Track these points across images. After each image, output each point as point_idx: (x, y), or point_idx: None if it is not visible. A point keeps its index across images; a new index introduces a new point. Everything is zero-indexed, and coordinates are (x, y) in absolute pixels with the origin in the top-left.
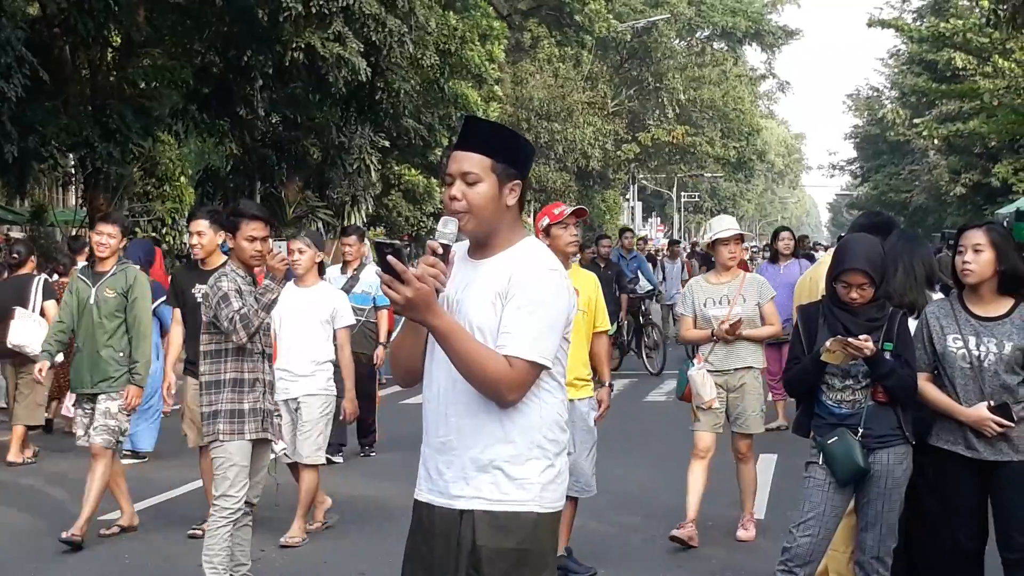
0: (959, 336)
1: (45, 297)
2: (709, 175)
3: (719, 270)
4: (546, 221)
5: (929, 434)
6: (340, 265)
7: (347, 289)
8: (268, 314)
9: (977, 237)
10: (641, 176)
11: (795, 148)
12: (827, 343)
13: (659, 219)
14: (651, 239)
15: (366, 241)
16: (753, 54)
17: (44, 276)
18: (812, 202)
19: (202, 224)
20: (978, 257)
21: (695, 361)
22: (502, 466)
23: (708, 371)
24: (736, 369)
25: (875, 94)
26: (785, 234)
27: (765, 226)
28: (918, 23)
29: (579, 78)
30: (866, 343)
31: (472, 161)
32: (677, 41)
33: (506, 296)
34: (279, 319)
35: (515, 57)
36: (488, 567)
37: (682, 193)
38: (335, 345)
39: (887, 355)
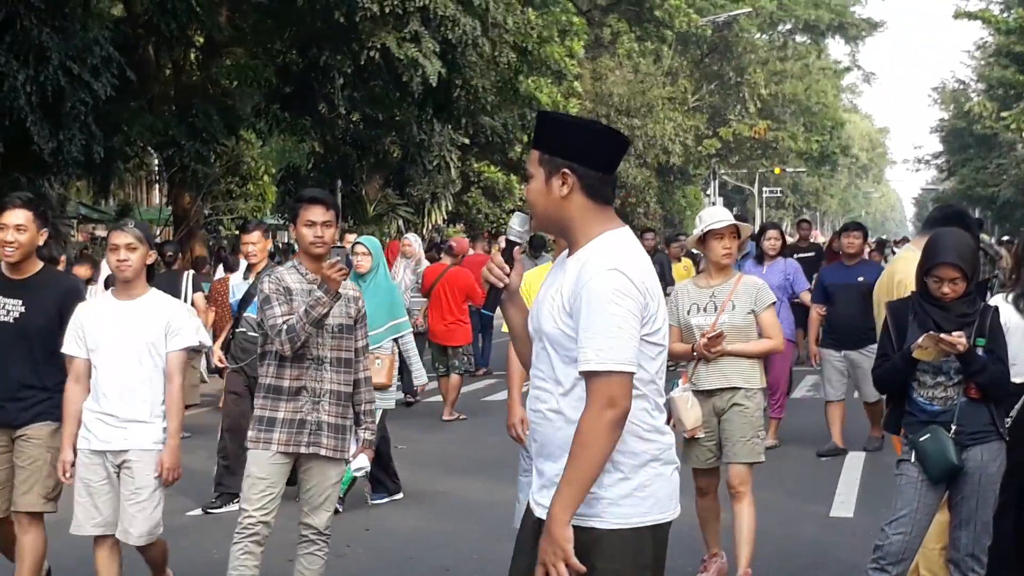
0: None
1: (194, 290)
2: (791, 170)
3: (710, 270)
4: None
5: None
6: (244, 268)
7: (247, 297)
8: (317, 329)
9: None
10: (722, 171)
11: (879, 142)
12: (919, 340)
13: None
14: None
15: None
16: (836, 47)
17: (192, 271)
18: (897, 197)
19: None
20: None
21: (680, 381)
22: (558, 478)
23: (695, 392)
24: (723, 390)
25: (961, 87)
26: (772, 232)
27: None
28: (1005, 14)
29: (659, 73)
30: (959, 339)
31: (531, 158)
32: (758, 35)
33: (572, 301)
34: (94, 343)
35: (595, 53)
36: None
37: (764, 188)
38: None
39: (979, 351)
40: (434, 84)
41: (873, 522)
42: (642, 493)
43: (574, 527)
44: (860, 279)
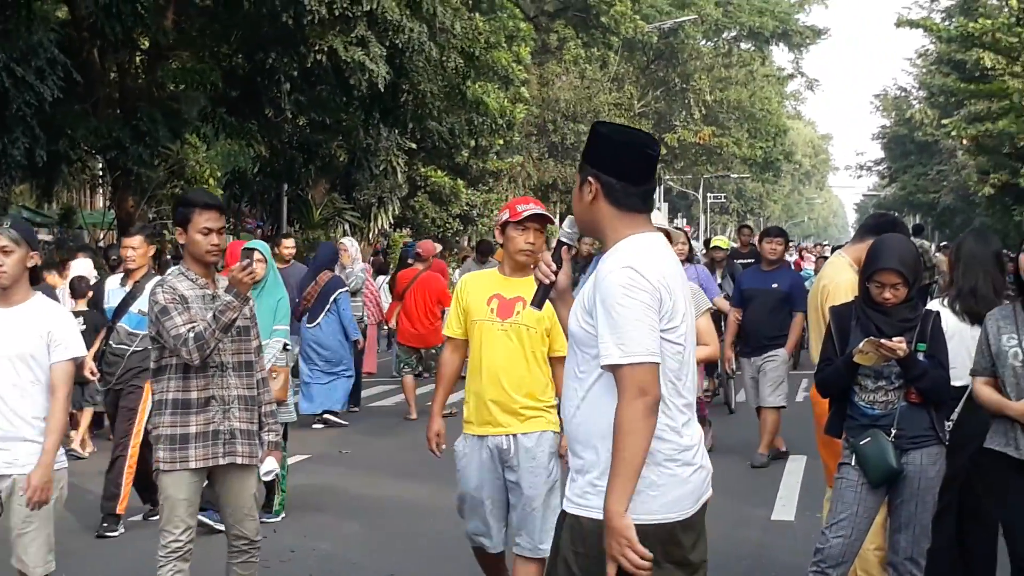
0: (1014, 335)
1: None
2: (736, 176)
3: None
4: (505, 216)
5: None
6: (121, 275)
7: (123, 305)
8: (226, 335)
9: None
10: (667, 177)
11: (822, 149)
12: (860, 344)
13: (685, 220)
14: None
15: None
16: (780, 54)
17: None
18: (839, 203)
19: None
20: None
21: None
22: (581, 470)
23: None
24: None
25: (903, 94)
26: (679, 236)
27: (792, 227)
28: (947, 22)
29: (605, 79)
30: (900, 344)
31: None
32: (704, 42)
33: (592, 299)
34: None
35: (541, 59)
36: (562, 566)
37: (708, 194)
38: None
39: (920, 356)
40: (381, 88)
41: (814, 525)
42: (653, 492)
43: (582, 517)
44: (774, 285)
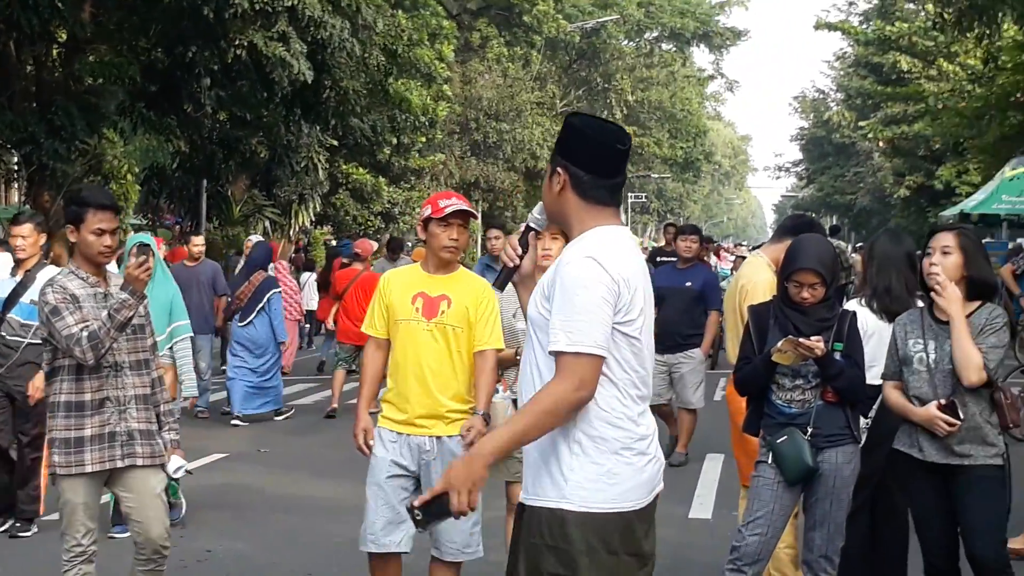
0: (920, 340)
1: None
2: (656, 176)
3: (535, 272)
4: (428, 212)
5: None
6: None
7: (14, 296)
8: (121, 333)
9: (946, 240)
10: None
11: (741, 150)
12: (779, 343)
13: None
14: None
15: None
16: (701, 56)
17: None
18: (758, 203)
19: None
20: (945, 260)
21: (500, 388)
22: (542, 461)
23: (514, 401)
24: None
25: (821, 96)
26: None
27: (711, 227)
28: (864, 26)
29: (528, 78)
30: (817, 343)
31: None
32: (626, 42)
33: (550, 286)
34: None
35: (464, 57)
36: (523, 560)
37: (629, 194)
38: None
39: (837, 355)
40: (302, 84)
41: (731, 523)
42: (610, 480)
43: (542, 508)
44: (688, 284)
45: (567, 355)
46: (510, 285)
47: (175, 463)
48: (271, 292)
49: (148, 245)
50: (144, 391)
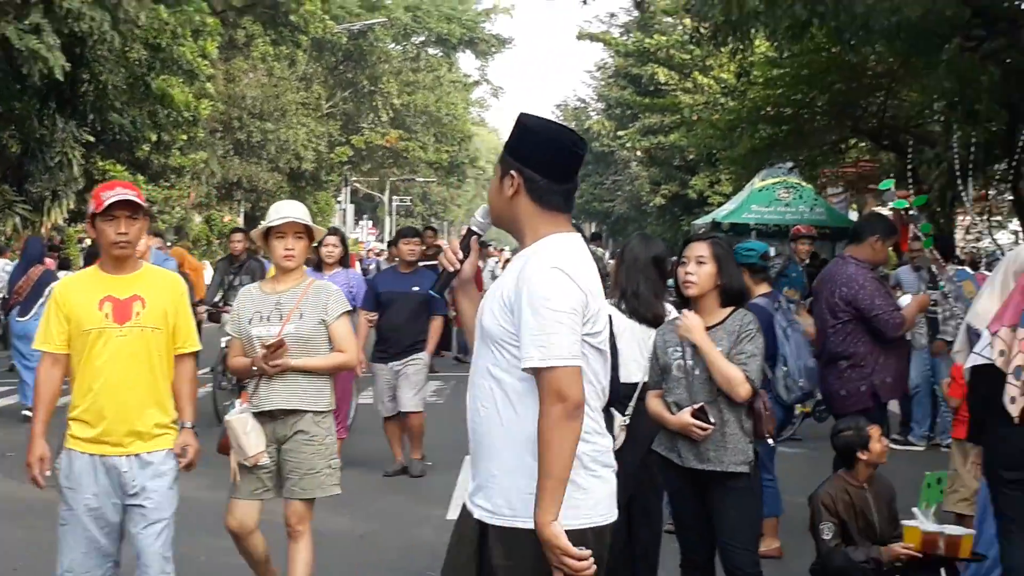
0: (678, 347)
1: None
2: (422, 179)
3: (277, 273)
4: (92, 208)
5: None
6: None
7: None
8: None
9: (701, 249)
10: (354, 179)
11: None
12: None
13: (371, 222)
14: (362, 241)
15: None
16: (467, 61)
17: None
18: None
19: None
20: (700, 269)
21: (238, 401)
22: (498, 479)
23: (254, 414)
24: (287, 412)
25: (583, 105)
26: (331, 239)
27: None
28: (624, 38)
29: (293, 78)
30: None
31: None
32: (393, 45)
33: (513, 298)
34: None
35: (228, 54)
36: None
37: (394, 197)
38: None
39: None
40: (58, 78)
41: None
42: (579, 495)
43: (514, 528)
44: (415, 288)
45: (542, 371)
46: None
47: None
48: (51, 286)
49: None
50: None
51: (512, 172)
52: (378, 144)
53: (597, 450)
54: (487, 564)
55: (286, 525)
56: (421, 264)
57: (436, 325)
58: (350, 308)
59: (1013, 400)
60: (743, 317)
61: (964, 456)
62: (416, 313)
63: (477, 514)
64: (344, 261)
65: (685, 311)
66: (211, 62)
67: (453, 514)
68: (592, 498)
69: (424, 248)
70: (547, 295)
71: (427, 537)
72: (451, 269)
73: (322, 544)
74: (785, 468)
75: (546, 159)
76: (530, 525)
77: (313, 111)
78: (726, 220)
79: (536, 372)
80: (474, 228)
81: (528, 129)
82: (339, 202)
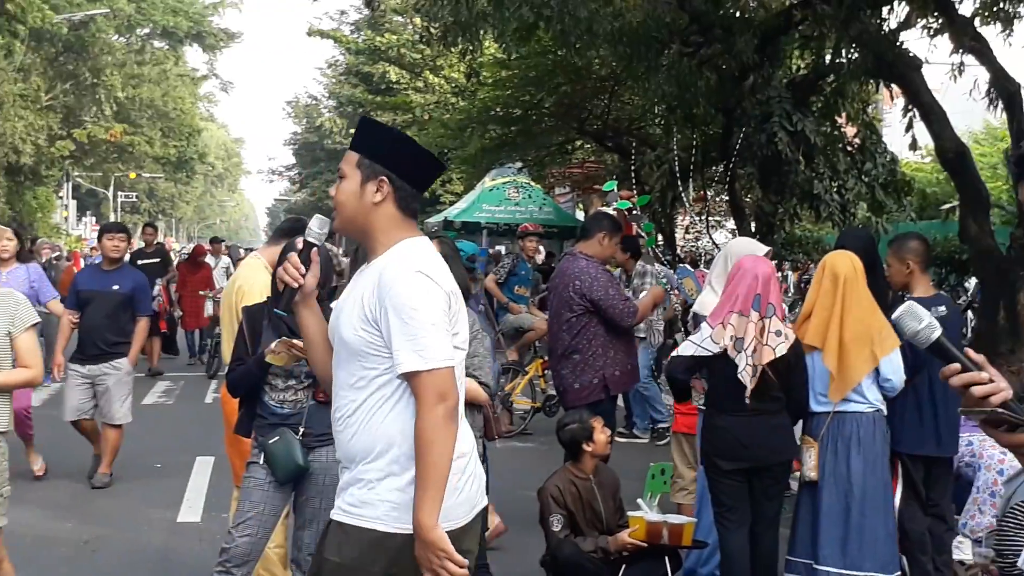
0: None
1: None
2: (148, 175)
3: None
4: None
5: None
6: None
7: None
8: None
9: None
10: (76, 174)
11: (235, 152)
12: (272, 344)
13: (95, 219)
14: (85, 239)
15: None
16: (194, 55)
17: None
18: (251, 206)
19: None
20: None
21: None
22: (354, 479)
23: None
24: None
25: (314, 102)
26: (6, 233)
27: (204, 229)
28: (355, 35)
29: (11, 69)
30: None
31: (346, 158)
32: (116, 37)
33: (375, 307)
34: None
35: None
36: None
37: (119, 192)
38: None
39: None
40: None
41: (221, 525)
42: (453, 497)
43: (351, 526)
44: (116, 287)
45: (422, 374)
46: None
47: None
48: None
49: None
50: None
51: (382, 178)
52: (102, 138)
53: (464, 451)
54: (321, 563)
55: None
56: (140, 262)
57: (142, 326)
58: (38, 320)
59: (747, 375)
60: (472, 321)
61: (681, 448)
62: (116, 313)
63: (333, 515)
64: (22, 256)
65: None
66: None
67: (183, 517)
68: (463, 498)
69: (128, 246)
70: (415, 300)
71: (156, 541)
72: (294, 285)
73: (45, 552)
74: (516, 463)
75: (416, 168)
76: (371, 525)
77: (32, 103)
78: (458, 219)
79: (415, 376)
80: (311, 240)
81: (398, 138)
82: (60, 198)
